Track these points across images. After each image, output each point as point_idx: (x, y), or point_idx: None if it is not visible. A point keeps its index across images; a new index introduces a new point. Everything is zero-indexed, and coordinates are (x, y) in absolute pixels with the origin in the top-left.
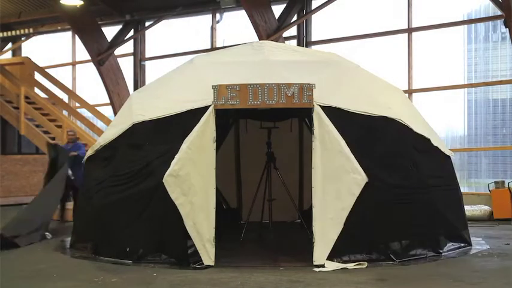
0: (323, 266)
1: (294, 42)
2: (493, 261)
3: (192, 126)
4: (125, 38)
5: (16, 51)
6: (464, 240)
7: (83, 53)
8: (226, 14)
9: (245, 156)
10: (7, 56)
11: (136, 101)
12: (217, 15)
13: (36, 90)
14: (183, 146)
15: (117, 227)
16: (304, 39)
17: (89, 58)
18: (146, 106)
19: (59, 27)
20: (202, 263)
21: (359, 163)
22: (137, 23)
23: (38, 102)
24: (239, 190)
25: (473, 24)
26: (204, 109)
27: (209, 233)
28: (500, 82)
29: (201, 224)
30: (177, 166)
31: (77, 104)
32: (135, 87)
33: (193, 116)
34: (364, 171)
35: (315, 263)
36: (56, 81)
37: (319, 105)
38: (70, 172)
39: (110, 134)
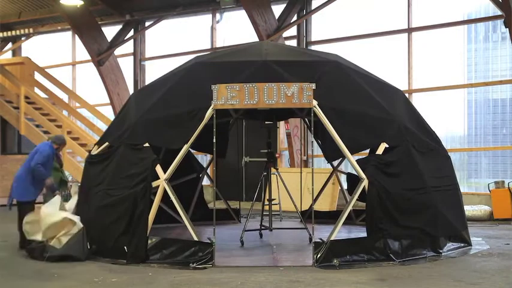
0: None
1: (294, 42)
2: (493, 261)
3: (192, 126)
4: (125, 38)
5: (16, 51)
6: (464, 240)
7: (83, 53)
8: (226, 14)
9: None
10: (7, 56)
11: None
12: (217, 15)
13: (36, 90)
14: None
15: (117, 227)
16: (304, 39)
17: (89, 58)
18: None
19: (59, 27)
20: (202, 263)
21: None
22: (137, 23)
23: (38, 102)
24: (239, 190)
25: (473, 24)
26: (204, 109)
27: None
28: (500, 82)
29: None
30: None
31: (77, 104)
32: (135, 87)
33: (193, 116)
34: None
35: (315, 263)
36: (56, 81)
37: (319, 105)
38: None
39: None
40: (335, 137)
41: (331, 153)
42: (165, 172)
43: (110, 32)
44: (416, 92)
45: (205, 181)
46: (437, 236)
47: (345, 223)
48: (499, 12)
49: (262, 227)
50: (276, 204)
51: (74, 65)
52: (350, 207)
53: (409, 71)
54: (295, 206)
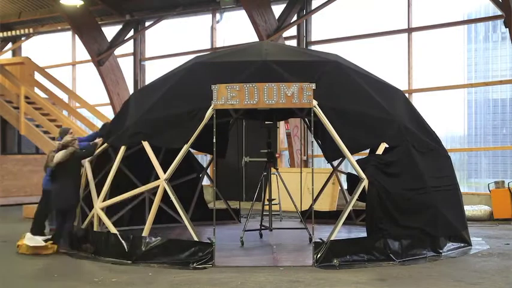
0: (322, 265)
1: (294, 42)
2: (493, 261)
3: (192, 126)
4: (125, 38)
5: (16, 51)
6: (464, 240)
7: (83, 53)
8: (226, 14)
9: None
10: (7, 56)
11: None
12: (217, 15)
13: (36, 90)
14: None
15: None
16: (304, 39)
17: (89, 58)
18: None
19: (59, 27)
20: (202, 263)
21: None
22: (137, 23)
23: (38, 102)
24: (239, 190)
25: (473, 24)
26: (204, 109)
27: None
28: (500, 82)
29: None
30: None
31: (77, 104)
32: (135, 87)
33: (193, 116)
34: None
35: (315, 263)
36: (56, 81)
37: (319, 105)
38: None
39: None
40: (335, 137)
41: (331, 153)
42: (165, 172)
43: (110, 32)
44: (416, 92)
45: (205, 181)
46: (437, 236)
47: (345, 223)
48: (499, 12)
49: (262, 227)
50: (276, 204)
51: (74, 65)
52: (350, 207)
53: (409, 71)
54: (295, 206)
